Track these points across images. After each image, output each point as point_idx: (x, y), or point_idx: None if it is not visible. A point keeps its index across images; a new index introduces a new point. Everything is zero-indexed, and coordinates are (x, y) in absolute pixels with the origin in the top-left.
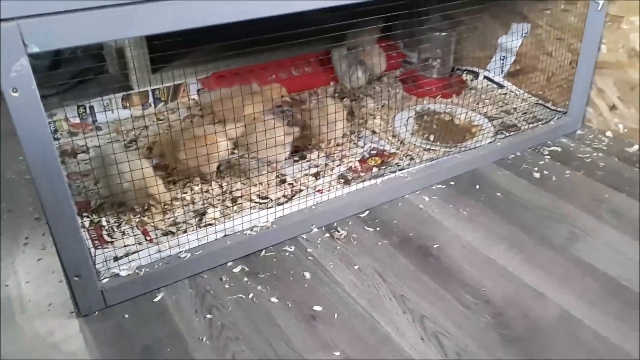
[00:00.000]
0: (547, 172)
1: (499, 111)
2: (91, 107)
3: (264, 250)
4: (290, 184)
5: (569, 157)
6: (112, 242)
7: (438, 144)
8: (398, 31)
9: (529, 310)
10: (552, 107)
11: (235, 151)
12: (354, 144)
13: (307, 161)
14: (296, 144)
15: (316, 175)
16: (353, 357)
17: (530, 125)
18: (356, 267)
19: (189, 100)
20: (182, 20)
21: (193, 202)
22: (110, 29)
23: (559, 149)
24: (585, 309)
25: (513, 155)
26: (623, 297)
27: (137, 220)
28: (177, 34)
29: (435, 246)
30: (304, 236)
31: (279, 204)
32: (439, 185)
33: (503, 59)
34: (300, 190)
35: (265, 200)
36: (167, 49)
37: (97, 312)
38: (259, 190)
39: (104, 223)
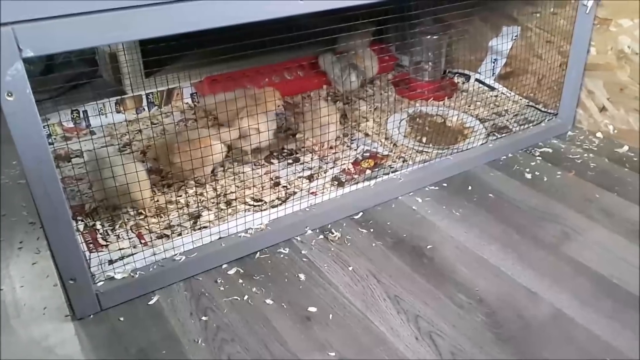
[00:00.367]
0: (539, 173)
1: (491, 113)
2: (85, 112)
3: (258, 253)
4: (284, 186)
5: (560, 158)
6: (106, 246)
7: (431, 146)
8: (390, 35)
9: (522, 309)
10: (543, 109)
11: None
12: (347, 146)
13: (301, 164)
14: (289, 146)
15: (310, 178)
16: (348, 358)
17: (522, 127)
18: (350, 268)
19: (182, 104)
20: (176, 24)
21: (187, 205)
22: (104, 33)
23: (550, 150)
24: (578, 307)
25: (505, 157)
26: (614, 296)
27: (132, 223)
28: (170, 38)
29: (428, 247)
30: (298, 238)
31: (273, 207)
32: (432, 187)
33: (494, 62)
34: (294, 193)
35: (259, 203)
36: (160, 53)
37: (92, 316)
38: (253, 193)
39: (99, 226)
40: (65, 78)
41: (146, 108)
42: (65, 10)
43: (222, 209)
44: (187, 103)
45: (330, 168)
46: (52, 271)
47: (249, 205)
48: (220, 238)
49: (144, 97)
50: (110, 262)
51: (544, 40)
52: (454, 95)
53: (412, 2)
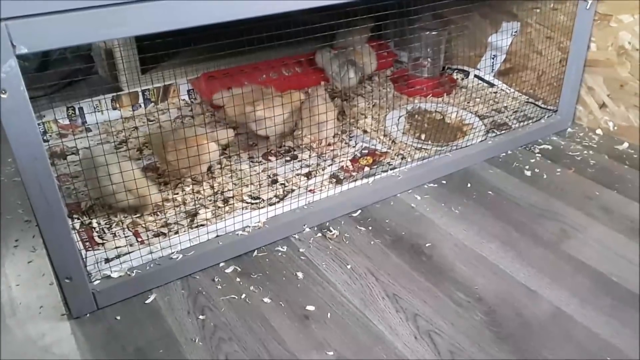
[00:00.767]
0: (538, 170)
1: (490, 110)
2: (80, 109)
3: (256, 251)
4: (282, 184)
5: (559, 155)
6: (103, 244)
7: (429, 143)
8: (389, 30)
9: (521, 307)
10: (543, 106)
11: (226, 152)
12: (346, 143)
13: (299, 161)
14: (288, 143)
15: (308, 175)
16: (346, 357)
17: (521, 124)
18: (349, 266)
19: (179, 100)
20: (172, 20)
21: (184, 203)
22: (99, 29)
23: (549, 147)
24: (577, 305)
25: (504, 154)
26: (613, 293)
27: (129, 221)
28: (166, 35)
29: (427, 245)
30: (296, 236)
31: (270, 204)
32: (431, 184)
33: (493, 58)
34: (292, 190)
35: (257, 201)
36: (156, 50)
37: (88, 314)
38: (250, 191)
39: (95, 225)
40: (60, 75)
41: (142, 105)
42: (60, 6)
43: (219, 207)
44: (184, 99)
45: (329, 165)
46: (48, 270)
47: (247, 203)
48: (217, 236)
49: (140, 93)
50: (107, 260)
51: (544, 36)
52: (453, 92)
53: None
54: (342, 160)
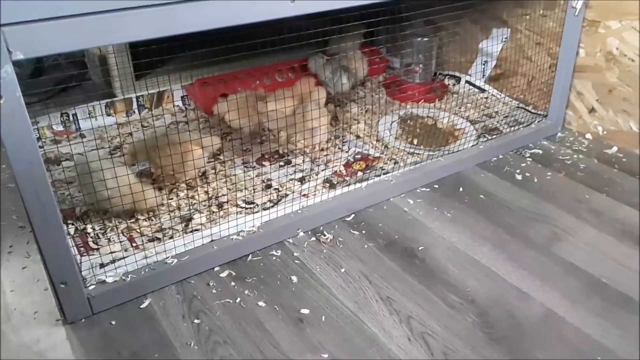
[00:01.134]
0: (529, 174)
1: (481, 115)
2: (74, 115)
3: (250, 255)
4: (275, 188)
5: (550, 159)
6: (97, 249)
7: (422, 147)
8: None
9: (513, 309)
10: (533, 111)
11: (221, 157)
12: (339, 148)
13: (293, 166)
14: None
15: (302, 180)
16: (341, 359)
17: (512, 129)
18: (342, 270)
19: (173, 106)
20: (166, 27)
21: (179, 208)
22: (94, 35)
23: (540, 151)
24: (568, 307)
25: (495, 158)
26: (604, 295)
27: (123, 226)
28: (160, 41)
29: (420, 248)
30: (290, 240)
31: (265, 209)
32: (424, 189)
33: (484, 64)
34: (286, 195)
35: (251, 205)
36: (150, 56)
37: (83, 320)
38: (245, 196)
39: (90, 230)
40: (54, 81)
41: (137, 111)
42: (56, 13)
43: (214, 212)
44: (177, 105)
45: (322, 170)
46: (43, 275)
47: (241, 207)
48: (212, 241)
49: (134, 99)
50: (102, 265)
51: (534, 42)
52: (444, 97)
53: (403, 4)
54: (336, 165)
